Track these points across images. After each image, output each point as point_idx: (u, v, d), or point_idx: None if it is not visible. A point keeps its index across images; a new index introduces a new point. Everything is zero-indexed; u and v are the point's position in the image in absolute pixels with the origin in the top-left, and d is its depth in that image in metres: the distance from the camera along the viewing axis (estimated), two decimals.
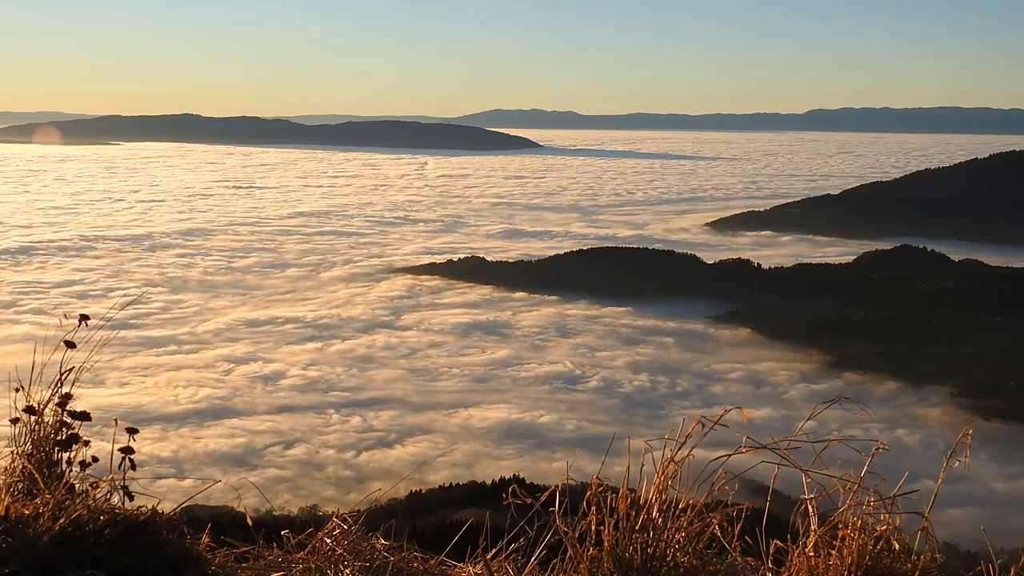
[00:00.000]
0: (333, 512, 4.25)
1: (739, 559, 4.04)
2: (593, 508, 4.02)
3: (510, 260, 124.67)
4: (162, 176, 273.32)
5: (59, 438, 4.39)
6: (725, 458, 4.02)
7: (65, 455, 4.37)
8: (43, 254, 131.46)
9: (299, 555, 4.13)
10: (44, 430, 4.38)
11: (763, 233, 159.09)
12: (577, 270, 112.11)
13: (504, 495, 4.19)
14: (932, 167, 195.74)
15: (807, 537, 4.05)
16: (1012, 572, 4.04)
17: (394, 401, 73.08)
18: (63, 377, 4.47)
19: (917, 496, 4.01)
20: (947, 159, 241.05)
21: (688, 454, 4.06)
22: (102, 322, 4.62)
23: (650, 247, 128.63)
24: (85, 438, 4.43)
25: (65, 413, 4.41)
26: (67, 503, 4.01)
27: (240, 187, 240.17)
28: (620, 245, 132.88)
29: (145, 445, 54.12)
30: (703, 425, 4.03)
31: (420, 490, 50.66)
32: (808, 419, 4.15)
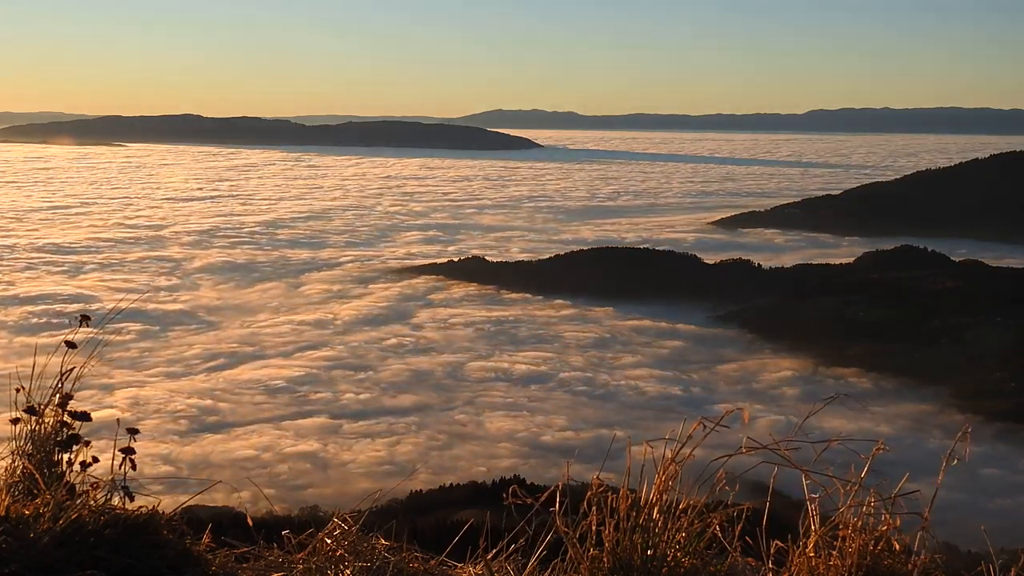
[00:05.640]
0: (333, 512, 4.25)
1: (740, 559, 4.04)
2: (593, 508, 4.02)
3: (510, 261, 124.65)
4: (139, 178, 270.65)
5: (59, 439, 4.39)
6: (726, 459, 4.03)
7: (65, 455, 4.37)
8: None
9: (299, 555, 4.14)
10: (44, 430, 4.38)
11: (763, 233, 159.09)
12: (577, 271, 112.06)
13: (504, 495, 4.19)
14: (932, 167, 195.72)
15: (808, 537, 4.06)
16: (1012, 572, 4.04)
17: (394, 403, 73.05)
18: (63, 378, 4.48)
19: (918, 496, 4.01)
20: (947, 159, 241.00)
21: (689, 454, 4.06)
22: (95, 332, 4.62)
23: (650, 247, 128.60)
24: (85, 438, 4.43)
25: (65, 414, 4.41)
26: (67, 503, 4.01)
27: (219, 191, 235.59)
28: (620, 245, 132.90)
29: (146, 448, 54.08)
30: (704, 426, 4.03)
31: (420, 490, 50.63)
32: (807, 417, 4.15)
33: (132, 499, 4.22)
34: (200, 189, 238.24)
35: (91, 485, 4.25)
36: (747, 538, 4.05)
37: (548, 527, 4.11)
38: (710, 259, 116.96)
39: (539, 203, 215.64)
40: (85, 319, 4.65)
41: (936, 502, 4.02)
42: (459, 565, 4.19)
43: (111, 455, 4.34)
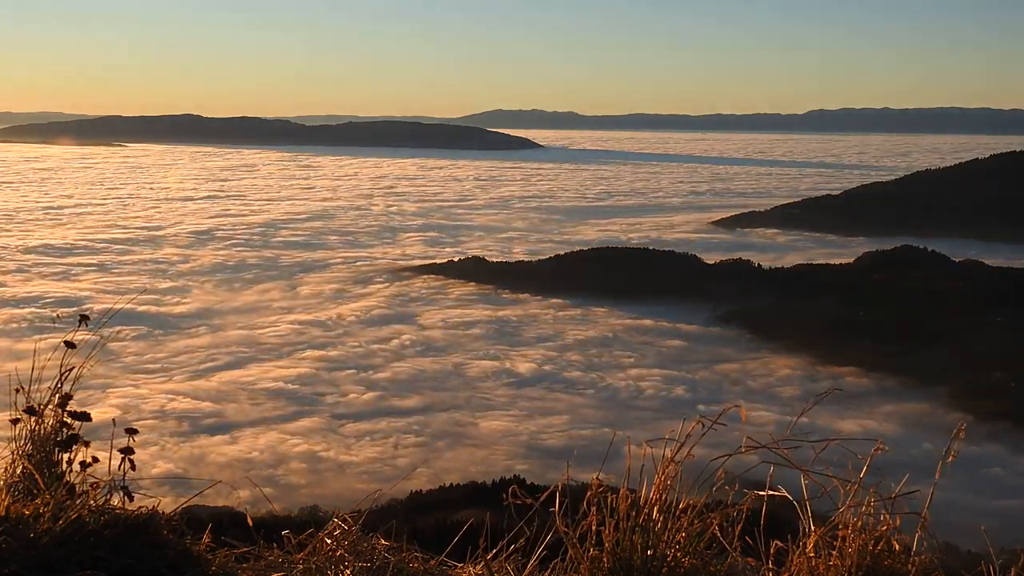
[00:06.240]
0: (333, 512, 4.25)
1: (739, 559, 4.04)
2: (593, 508, 4.02)
3: (510, 261, 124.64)
4: (136, 178, 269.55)
5: (59, 439, 4.39)
6: (725, 458, 4.03)
7: (65, 455, 4.37)
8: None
9: (299, 555, 4.14)
10: (44, 431, 4.38)
11: (763, 233, 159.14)
12: (578, 271, 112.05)
13: (504, 495, 4.19)
14: (932, 167, 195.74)
15: (807, 537, 4.06)
16: (1012, 572, 4.04)
17: (394, 403, 73.04)
18: (63, 378, 4.48)
19: (917, 496, 4.01)
20: (947, 159, 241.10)
21: (688, 454, 4.06)
22: (92, 334, 4.62)
23: (650, 247, 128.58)
24: (85, 439, 4.43)
25: (65, 414, 4.41)
26: (67, 503, 4.01)
27: (217, 191, 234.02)
28: (620, 246, 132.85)
29: (145, 449, 54.11)
30: (703, 425, 4.03)
31: (420, 490, 50.65)
32: (801, 414, 4.15)
33: (132, 499, 4.21)
34: (196, 189, 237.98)
35: (91, 485, 4.25)
36: (747, 538, 4.05)
37: (548, 527, 4.11)
38: (710, 259, 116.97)
39: (532, 203, 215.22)
40: (84, 319, 4.65)
41: (936, 502, 4.02)
42: (459, 565, 4.19)
43: (110, 455, 4.34)
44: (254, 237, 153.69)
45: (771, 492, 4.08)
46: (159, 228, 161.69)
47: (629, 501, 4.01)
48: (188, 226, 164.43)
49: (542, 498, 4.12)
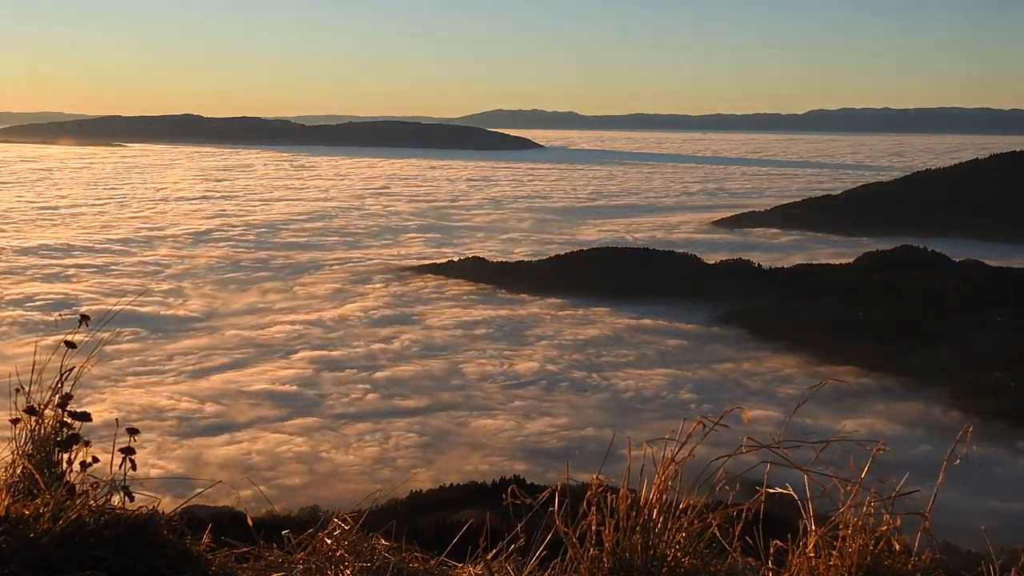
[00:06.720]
0: (333, 512, 4.25)
1: (739, 559, 4.04)
2: (593, 508, 4.02)
3: (510, 261, 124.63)
4: (134, 179, 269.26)
5: (59, 439, 4.39)
6: (725, 458, 4.03)
7: (65, 455, 4.37)
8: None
9: (299, 555, 4.14)
10: (44, 431, 4.38)
11: (763, 233, 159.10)
12: (578, 271, 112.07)
13: (504, 495, 4.19)
14: (932, 167, 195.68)
15: (807, 537, 4.06)
16: (1012, 572, 4.04)
17: (394, 403, 73.02)
18: (63, 378, 4.47)
19: (918, 496, 4.01)
20: (947, 159, 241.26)
21: (688, 454, 4.06)
22: (89, 337, 4.61)
23: (650, 247, 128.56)
24: (85, 439, 4.43)
25: (65, 413, 4.41)
26: (67, 503, 4.01)
27: (216, 192, 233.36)
28: (620, 246, 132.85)
29: (145, 449, 54.06)
30: (704, 425, 4.03)
31: (420, 490, 50.62)
32: (796, 409, 4.15)
33: (132, 499, 4.21)
34: (195, 189, 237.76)
35: (91, 485, 4.25)
36: (747, 538, 4.04)
37: (548, 527, 4.10)
38: (710, 259, 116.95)
39: (523, 203, 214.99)
40: (84, 319, 4.64)
41: (936, 502, 4.02)
42: (459, 565, 4.19)
43: (111, 455, 4.34)
44: (253, 238, 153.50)
45: (771, 490, 4.08)
46: (158, 228, 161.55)
47: (629, 501, 4.01)
48: (187, 227, 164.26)
49: (542, 498, 4.12)
